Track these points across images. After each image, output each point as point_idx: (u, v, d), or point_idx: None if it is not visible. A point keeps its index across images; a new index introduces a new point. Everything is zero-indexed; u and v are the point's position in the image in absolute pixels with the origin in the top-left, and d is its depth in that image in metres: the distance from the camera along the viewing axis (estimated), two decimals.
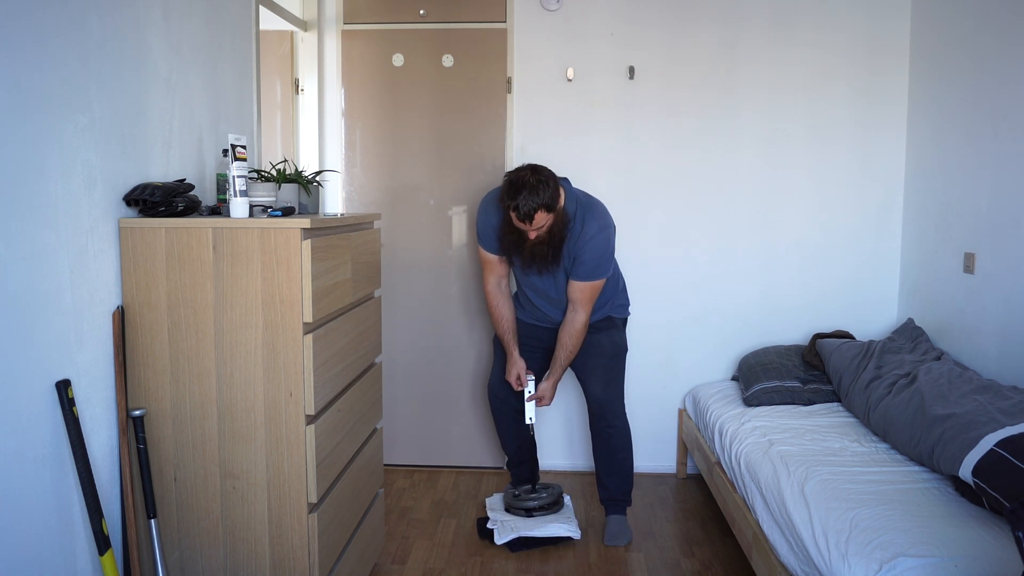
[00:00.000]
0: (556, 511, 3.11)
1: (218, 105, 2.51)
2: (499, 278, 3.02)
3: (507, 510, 3.14)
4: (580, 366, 3.05)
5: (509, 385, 3.11)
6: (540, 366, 3.13)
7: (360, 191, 3.73)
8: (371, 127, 3.70)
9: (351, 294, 2.32)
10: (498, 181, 3.64)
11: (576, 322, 2.91)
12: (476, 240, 3.06)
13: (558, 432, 3.76)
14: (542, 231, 2.74)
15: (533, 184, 2.64)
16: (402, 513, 3.29)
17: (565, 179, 2.87)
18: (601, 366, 3.00)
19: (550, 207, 2.67)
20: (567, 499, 3.25)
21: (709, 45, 3.55)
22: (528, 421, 3.09)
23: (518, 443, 3.20)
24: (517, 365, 3.02)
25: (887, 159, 3.58)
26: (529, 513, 3.08)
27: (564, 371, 3.02)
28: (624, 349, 3.07)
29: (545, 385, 3.04)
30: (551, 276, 2.90)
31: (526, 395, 3.05)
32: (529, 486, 3.20)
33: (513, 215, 2.70)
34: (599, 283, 2.87)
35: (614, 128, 3.58)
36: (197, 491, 2.01)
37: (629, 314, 3.17)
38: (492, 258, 2.98)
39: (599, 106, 3.58)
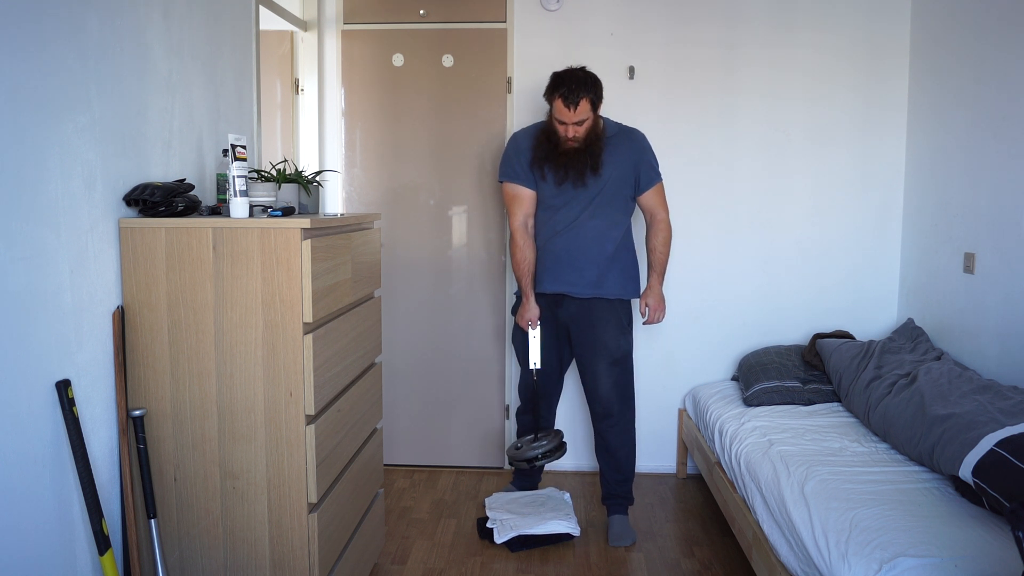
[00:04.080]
0: (559, 456, 3.11)
1: (218, 105, 2.51)
2: (526, 216, 3.04)
3: (511, 463, 3.14)
4: (586, 366, 3.05)
5: (532, 392, 3.14)
6: (553, 356, 3.13)
7: (360, 191, 3.73)
8: (371, 127, 3.70)
9: (351, 294, 2.32)
10: (498, 181, 3.65)
11: (659, 222, 3.08)
12: (498, 178, 3.13)
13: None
14: (580, 131, 2.86)
15: (581, 77, 2.84)
16: (402, 513, 3.29)
17: None
18: (607, 367, 3.00)
19: (594, 103, 2.85)
20: (567, 496, 3.25)
21: (709, 46, 3.55)
22: (532, 366, 3.10)
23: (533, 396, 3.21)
24: (533, 311, 3.04)
25: (887, 159, 3.58)
26: (531, 463, 3.07)
27: (662, 277, 3.11)
28: (630, 350, 3.07)
29: (651, 300, 3.08)
30: (585, 193, 2.93)
31: (531, 337, 3.07)
32: (531, 436, 3.18)
33: (559, 101, 2.82)
34: (661, 182, 3.08)
35: None
36: (197, 491, 2.01)
37: (639, 295, 3.14)
38: (521, 191, 3.02)
39: (599, 106, 3.57)
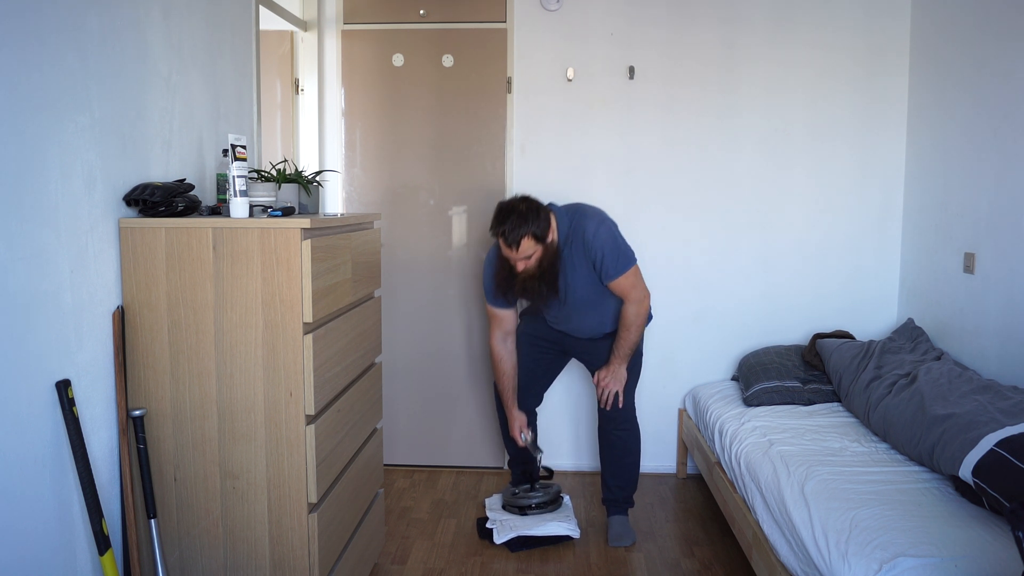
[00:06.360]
0: (553, 509, 3.11)
1: (218, 105, 2.51)
2: (505, 334, 3.04)
3: (504, 507, 3.14)
4: (599, 367, 3.04)
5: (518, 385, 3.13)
6: (548, 368, 3.15)
7: (360, 191, 3.73)
8: (371, 127, 3.70)
9: (351, 294, 2.32)
10: (498, 181, 3.66)
11: (628, 314, 2.87)
12: (480, 278, 3.13)
13: (564, 432, 3.75)
14: (530, 264, 2.75)
15: (523, 211, 2.69)
16: (402, 513, 3.29)
17: (551, 203, 2.87)
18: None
19: (538, 237, 2.70)
20: (566, 499, 3.25)
21: (709, 45, 3.55)
22: (537, 456, 3.13)
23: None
24: (518, 420, 3.07)
25: (887, 159, 3.58)
26: (524, 511, 3.08)
27: (624, 360, 2.94)
28: (639, 355, 3.06)
29: (604, 372, 2.95)
30: (557, 302, 2.89)
31: (525, 442, 3.08)
32: (528, 485, 3.20)
33: (501, 241, 2.73)
34: (632, 271, 2.84)
35: (614, 128, 3.58)
36: (197, 491, 2.01)
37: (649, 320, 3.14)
38: (498, 312, 3.01)
39: (599, 106, 3.58)
